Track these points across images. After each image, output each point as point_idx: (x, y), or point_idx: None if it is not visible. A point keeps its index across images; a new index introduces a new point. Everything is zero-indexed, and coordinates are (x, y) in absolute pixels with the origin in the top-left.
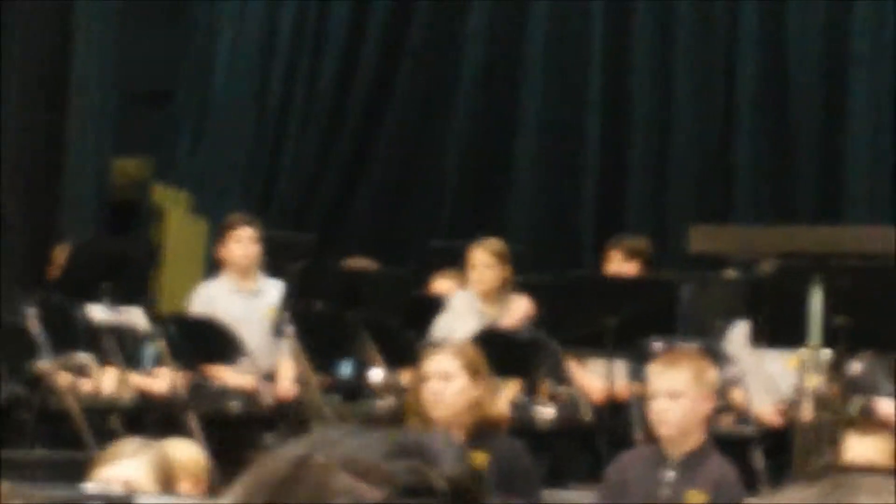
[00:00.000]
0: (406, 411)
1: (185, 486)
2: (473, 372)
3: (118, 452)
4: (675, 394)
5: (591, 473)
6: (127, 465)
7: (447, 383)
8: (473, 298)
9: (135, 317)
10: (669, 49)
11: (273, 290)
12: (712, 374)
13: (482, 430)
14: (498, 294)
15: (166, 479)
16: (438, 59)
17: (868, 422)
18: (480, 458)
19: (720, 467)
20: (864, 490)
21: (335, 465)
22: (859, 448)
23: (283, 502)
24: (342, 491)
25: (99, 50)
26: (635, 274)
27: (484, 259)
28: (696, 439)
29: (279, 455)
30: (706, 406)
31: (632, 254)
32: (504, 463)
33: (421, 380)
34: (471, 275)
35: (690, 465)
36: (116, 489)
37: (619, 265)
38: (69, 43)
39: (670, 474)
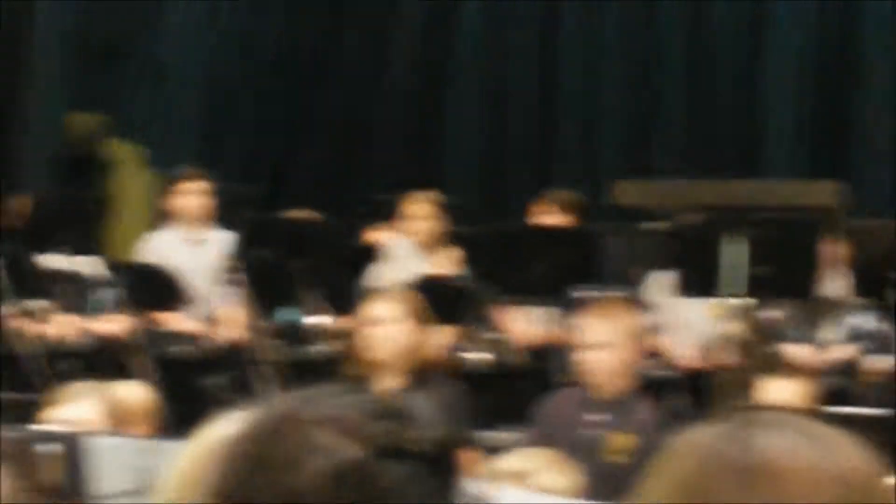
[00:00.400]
0: (350, 355)
1: (137, 426)
2: (414, 317)
3: (71, 394)
4: (605, 345)
5: (519, 415)
6: (79, 405)
7: (389, 327)
8: (410, 247)
9: (90, 265)
10: (598, 11)
11: (221, 240)
12: (638, 322)
13: (422, 373)
14: (433, 244)
15: (117, 420)
16: (378, 21)
17: (786, 366)
18: None
19: (647, 410)
20: (770, 426)
21: (318, 422)
22: (777, 391)
23: (266, 454)
24: (322, 447)
25: (58, 8)
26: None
27: (421, 211)
28: (623, 384)
29: (267, 409)
30: (634, 353)
31: (567, 206)
32: (442, 403)
33: (364, 324)
34: (408, 226)
35: (618, 408)
36: (70, 429)
37: (554, 218)
38: (29, 1)
39: (599, 417)
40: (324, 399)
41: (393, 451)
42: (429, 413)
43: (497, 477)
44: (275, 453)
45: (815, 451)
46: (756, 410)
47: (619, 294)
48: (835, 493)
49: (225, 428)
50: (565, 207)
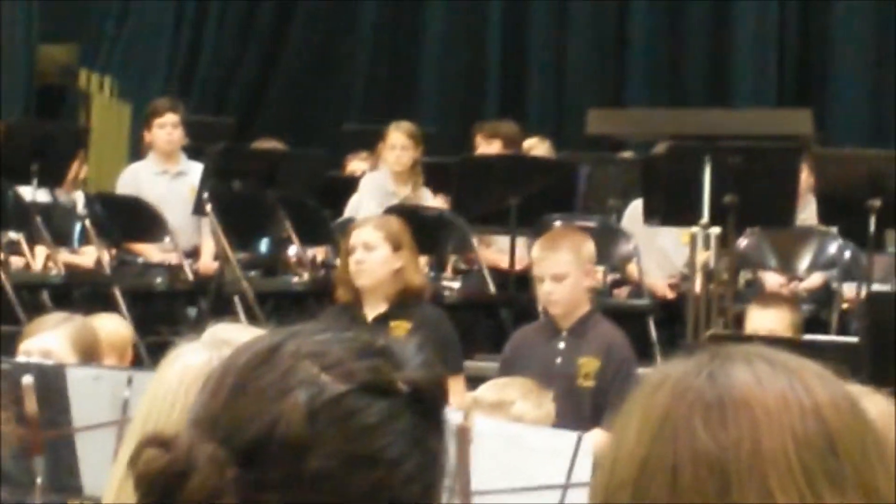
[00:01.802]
0: (334, 282)
1: (111, 358)
2: (395, 243)
3: (40, 325)
4: (559, 276)
5: (495, 344)
6: (47, 336)
7: (370, 253)
8: (384, 179)
9: (65, 196)
10: None
11: (195, 172)
12: (589, 247)
13: (404, 299)
14: (409, 175)
15: (87, 351)
16: None
17: (770, 296)
18: (402, 327)
19: (608, 331)
20: (738, 358)
21: (303, 355)
22: (760, 320)
23: (249, 384)
24: (305, 380)
25: None
26: (500, 153)
27: (401, 140)
28: (582, 309)
29: (255, 341)
30: (588, 279)
31: (492, 135)
32: (425, 330)
33: (346, 251)
34: (387, 155)
35: (579, 332)
36: (44, 360)
37: (485, 146)
38: None
39: (562, 344)
40: (309, 334)
41: (376, 389)
42: (413, 356)
43: (474, 407)
44: (258, 384)
45: (785, 382)
46: (727, 339)
47: (591, 222)
48: (806, 423)
49: (190, 356)
50: (493, 135)
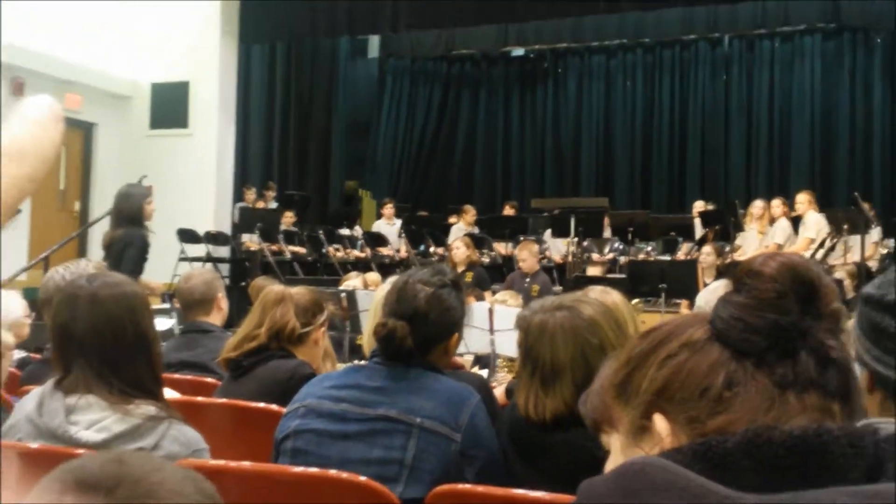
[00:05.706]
0: None
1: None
2: None
3: (350, 277)
4: None
5: None
6: (353, 282)
7: None
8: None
9: (355, 231)
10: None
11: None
12: None
13: None
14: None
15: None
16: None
17: None
18: None
19: None
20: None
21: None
22: None
23: (406, 289)
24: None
25: (342, 100)
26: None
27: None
28: None
29: (390, 285)
30: None
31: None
32: None
33: None
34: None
35: None
36: (351, 288)
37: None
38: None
39: None
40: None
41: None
42: None
43: None
44: (413, 288)
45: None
46: None
47: None
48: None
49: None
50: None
